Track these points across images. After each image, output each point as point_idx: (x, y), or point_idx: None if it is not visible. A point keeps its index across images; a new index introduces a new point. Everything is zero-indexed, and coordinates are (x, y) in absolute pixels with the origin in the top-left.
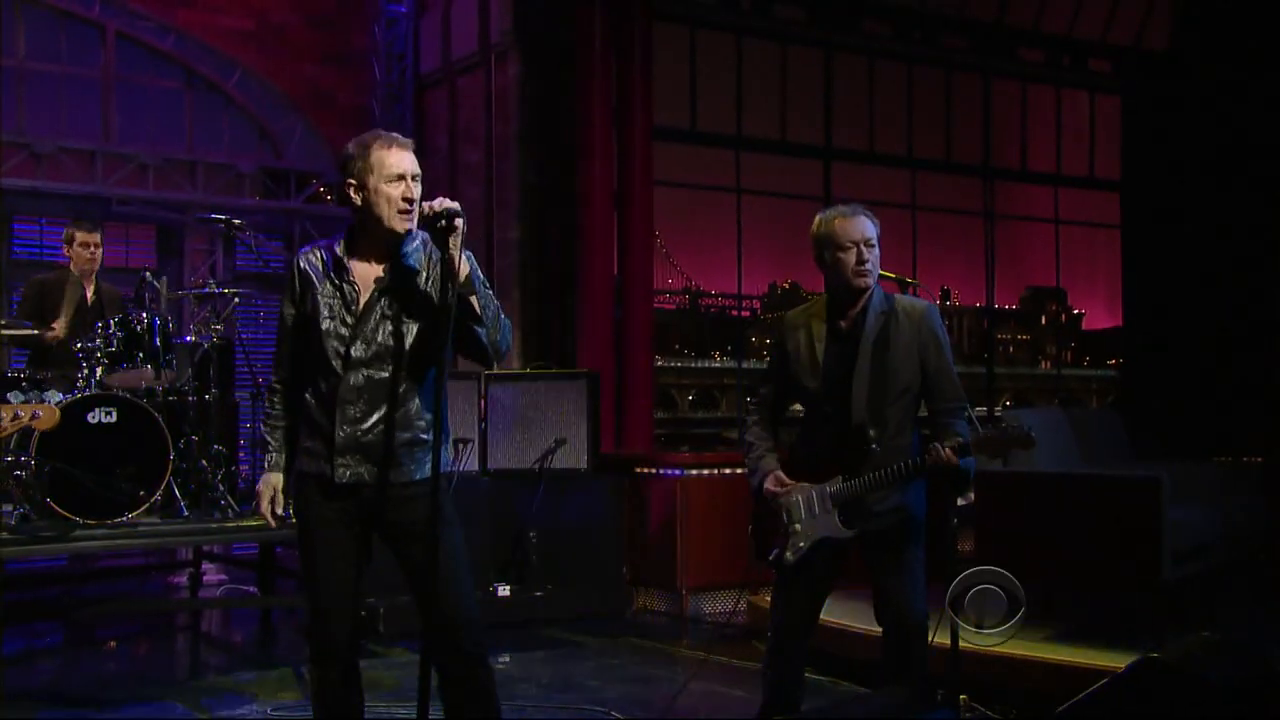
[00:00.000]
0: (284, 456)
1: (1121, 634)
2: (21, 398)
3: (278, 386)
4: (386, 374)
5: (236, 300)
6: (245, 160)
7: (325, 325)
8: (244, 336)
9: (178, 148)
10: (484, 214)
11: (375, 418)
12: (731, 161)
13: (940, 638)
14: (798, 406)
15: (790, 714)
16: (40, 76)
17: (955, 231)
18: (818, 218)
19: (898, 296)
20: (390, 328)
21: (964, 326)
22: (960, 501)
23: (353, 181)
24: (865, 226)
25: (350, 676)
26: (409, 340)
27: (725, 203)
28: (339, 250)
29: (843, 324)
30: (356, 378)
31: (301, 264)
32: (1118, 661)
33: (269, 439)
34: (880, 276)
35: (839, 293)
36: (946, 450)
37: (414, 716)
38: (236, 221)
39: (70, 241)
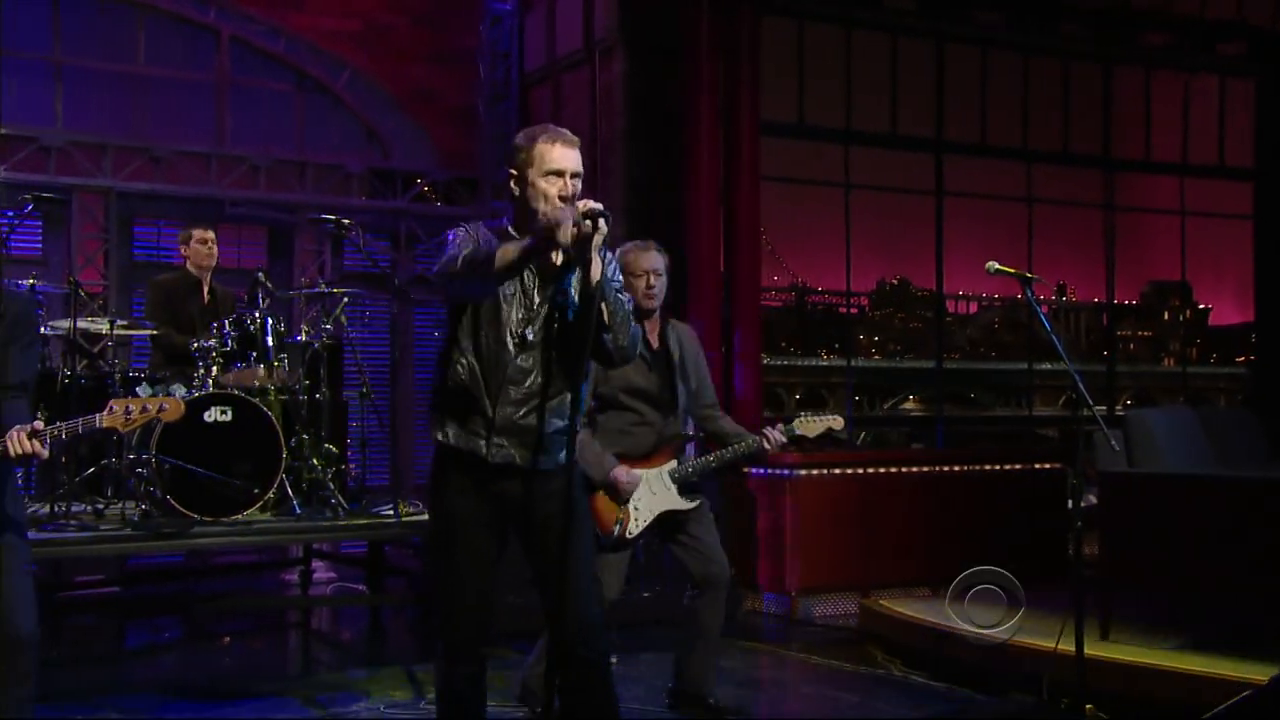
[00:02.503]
0: None
1: (1260, 645)
2: (149, 391)
3: None
4: (547, 360)
5: (345, 300)
6: (353, 160)
7: (502, 306)
8: (352, 336)
9: (288, 149)
10: None
11: (534, 402)
12: (840, 156)
13: (1064, 645)
14: None
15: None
16: (158, 82)
17: (1071, 225)
18: (618, 251)
19: (671, 320)
20: (556, 316)
21: (1081, 323)
22: (1083, 503)
23: (514, 172)
24: (654, 260)
25: (477, 676)
26: (568, 331)
27: (833, 198)
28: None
29: (650, 339)
30: (525, 360)
31: (485, 232)
32: (1258, 674)
33: None
34: (998, 272)
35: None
36: (777, 433)
37: (520, 718)
38: (346, 222)
39: (186, 241)
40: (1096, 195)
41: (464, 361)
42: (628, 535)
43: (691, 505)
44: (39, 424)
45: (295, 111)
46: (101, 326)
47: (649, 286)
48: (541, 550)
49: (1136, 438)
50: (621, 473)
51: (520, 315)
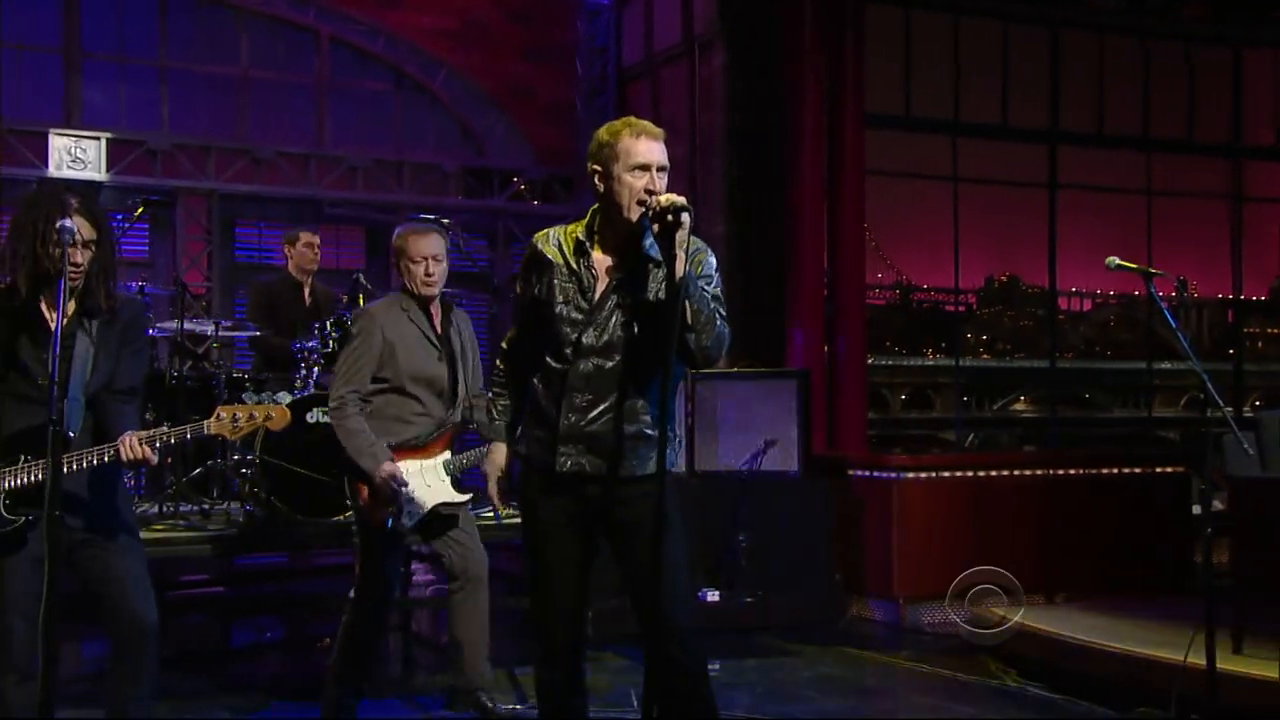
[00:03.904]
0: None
1: None
2: (255, 398)
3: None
4: (615, 364)
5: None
6: (449, 159)
7: (559, 310)
8: None
9: (386, 149)
10: None
11: (601, 408)
12: (948, 148)
13: (1194, 658)
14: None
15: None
16: (260, 84)
17: (1193, 217)
18: (397, 231)
19: (453, 308)
20: (623, 319)
21: (1204, 320)
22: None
23: (598, 168)
24: (434, 244)
25: (574, 679)
26: (641, 333)
27: (939, 192)
28: (581, 235)
29: (435, 323)
30: (586, 365)
31: (538, 246)
32: None
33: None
34: (1119, 267)
35: (414, 297)
36: None
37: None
38: (445, 221)
39: (293, 243)
40: (1221, 185)
41: (537, 377)
42: (402, 526)
43: (464, 499)
44: (153, 430)
45: (393, 111)
46: (206, 328)
47: (427, 273)
48: (629, 556)
49: (1271, 440)
50: (387, 472)
51: (576, 319)
